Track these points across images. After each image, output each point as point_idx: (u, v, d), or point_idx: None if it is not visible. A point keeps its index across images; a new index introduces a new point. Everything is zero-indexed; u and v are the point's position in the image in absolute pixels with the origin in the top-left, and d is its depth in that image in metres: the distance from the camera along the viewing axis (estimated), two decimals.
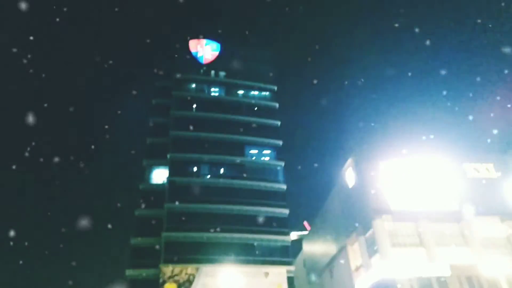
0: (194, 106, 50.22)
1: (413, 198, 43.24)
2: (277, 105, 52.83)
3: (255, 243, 40.42)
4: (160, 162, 46.33)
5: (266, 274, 37.85)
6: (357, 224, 45.04)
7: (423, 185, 44.23)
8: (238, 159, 46.13)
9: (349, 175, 49.13)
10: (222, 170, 45.85)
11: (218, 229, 39.99)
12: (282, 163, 47.71)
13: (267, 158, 48.48)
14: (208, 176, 45.15)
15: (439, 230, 41.93)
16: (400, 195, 43.72)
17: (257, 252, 39.99)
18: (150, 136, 48.46)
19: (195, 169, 45.87)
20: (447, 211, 42.33)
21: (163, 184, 44.21)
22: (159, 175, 46.22)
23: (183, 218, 40.74)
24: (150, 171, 46.79)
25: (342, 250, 49.89)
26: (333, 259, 52.74)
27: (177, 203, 41.17)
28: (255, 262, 38.65)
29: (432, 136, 47.79)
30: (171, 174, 43.90)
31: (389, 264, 38.35)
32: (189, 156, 45.47)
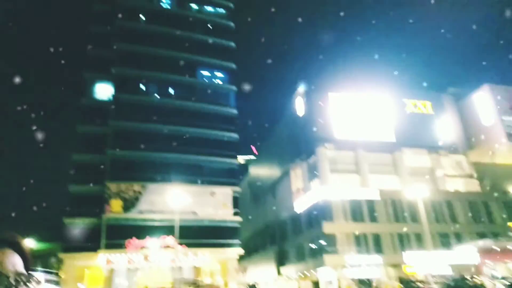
0: (142, 17, 45.88)
1: (354, 129, 45.99)
2: (233, 24, 50.10)
3: (203, 165, 41.16)
4: (104, 76, 43.19)
5: (213, 193, 39.38)
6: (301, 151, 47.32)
7: (365, 117, 46.90)
8: (189, 80, 44.41)
9: (299, 103, 50.21)
10: (171, 91, 44.13)
11: (166, 149, 39.79)
12: (234, 87, 46.96)
13: (219, 81, 47.24)
14: (157, 96, 43.35)
15: (374, 159, 45.77)
16: (344, 125, 46.18)
17: (204, 173, 40.93)
18: (91, 46, 44.17)
19: (142, 87, 43.60)
20: (383, 142, 45.92)
21: (108, 101, 41.84)
22: (103, 91, 43.43)
23: (130, 137, 39.67)
24: (92, 85, 43.64)
25: (285, 174, 53.08)
26: (277, 182, 56.21)
27: (123, 121, 39.62)
28: (202, 183, 39.73)
29: (378, 72, 49.25)
30: (116, 90, 41.36)
31: (327, 188, 41.77)
32: (136, 72, 42.72)
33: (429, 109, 49.23)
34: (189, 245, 34.59)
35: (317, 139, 44.65)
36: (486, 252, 33.61)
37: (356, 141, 45.72)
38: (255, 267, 53.31)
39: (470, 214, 42.63)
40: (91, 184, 37.46)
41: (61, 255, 35.39)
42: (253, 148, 75.01)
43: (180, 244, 32.48)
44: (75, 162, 38.81)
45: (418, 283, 28.42)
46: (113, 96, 40.90)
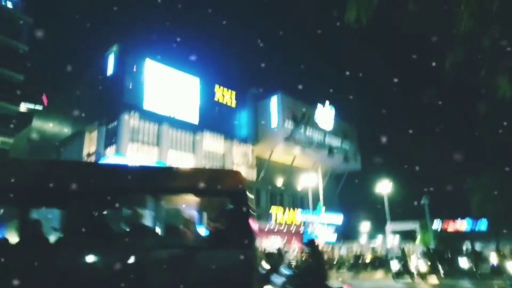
0: None
1: (163, 103, 45.86)
2: None
3: None
4: None
5: None
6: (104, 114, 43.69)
7: (176, 94, 47.51)
8: None
9: (110, 61, 45.96)
10: None
11: None
12: (31, 19, 38.43)
13: (10, 5, 37.56)
14: None
15: (177, 136, 47.07)
16: (154, 96, 45.31)
17: None
18: None
19: None
20: (188, 122, 47.74)
21: None
22: None
23: None
24: None
25: (78, 135, 47.63)
26: (66, 141, 49.74)
27: None
28: None
29: (198, 52, 50.89)
30: None
31: (123, 157, 40.08)
32: None
33: (233, 102, 54.45)
34: None
35: (123, 105, 42.04)
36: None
37: (163, 115, 45.76)
38: None
39: None
40: None
41: None
42: (44, 97, 63.82)
43: None
44: None
45: None
46: None
